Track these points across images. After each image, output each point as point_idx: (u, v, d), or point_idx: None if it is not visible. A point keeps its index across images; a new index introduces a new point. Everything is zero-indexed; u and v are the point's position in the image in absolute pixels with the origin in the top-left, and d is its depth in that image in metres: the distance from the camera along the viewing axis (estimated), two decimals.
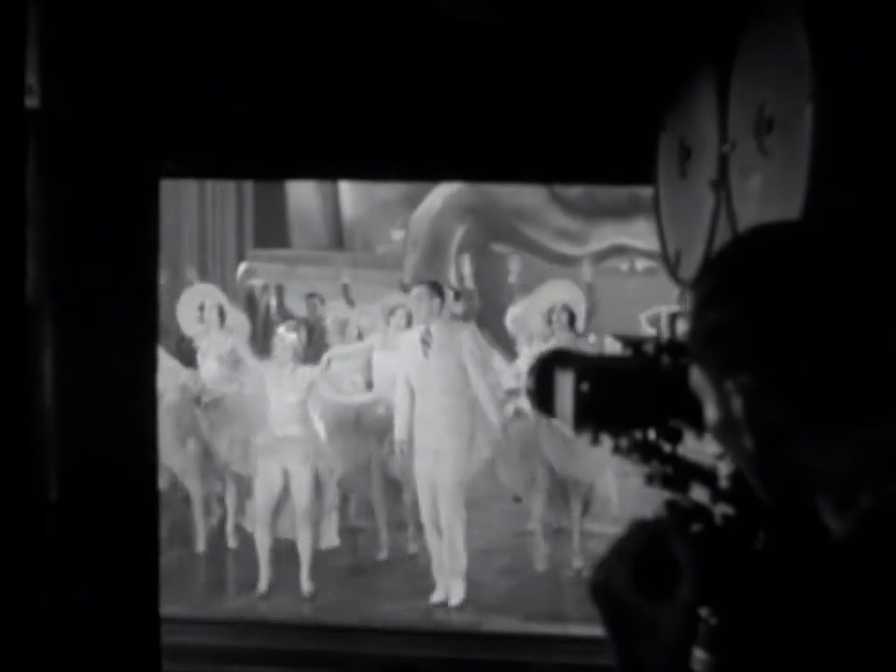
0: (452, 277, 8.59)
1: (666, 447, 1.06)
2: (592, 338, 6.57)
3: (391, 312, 6.19)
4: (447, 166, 3.17)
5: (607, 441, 1.08)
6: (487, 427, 5.51)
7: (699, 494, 1.01)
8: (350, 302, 7.61)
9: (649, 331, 6.45)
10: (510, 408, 5.65)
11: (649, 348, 1.09)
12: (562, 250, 9.34)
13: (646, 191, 2.75)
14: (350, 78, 2.68)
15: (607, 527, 5.35)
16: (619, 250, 9.39)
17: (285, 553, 5.52)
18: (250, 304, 8.82)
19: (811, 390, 0.90)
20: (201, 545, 6.08)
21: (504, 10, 2.51)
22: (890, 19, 1.46)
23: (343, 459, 5.85)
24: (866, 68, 1.46)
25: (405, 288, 7.68)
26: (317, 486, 5.51)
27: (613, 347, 1.18)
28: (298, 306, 8.13)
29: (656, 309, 6.82)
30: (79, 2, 2.50)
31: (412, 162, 2.98)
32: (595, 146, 2.68)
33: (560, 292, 6.16)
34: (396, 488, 5.99)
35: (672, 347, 1.07)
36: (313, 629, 4.97)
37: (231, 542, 6.14)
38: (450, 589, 5.30)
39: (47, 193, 2.37)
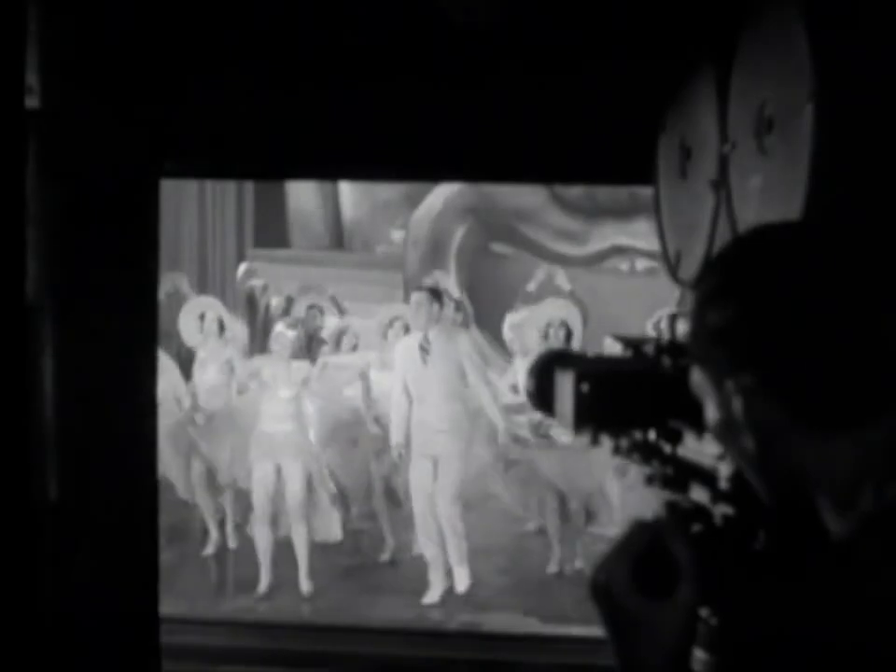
0: (451, 285, 8.60)
1: (666, 448, 1.06)
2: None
3: (389, 324, 6.20)
4: (447, 166, 3.17)
5: (606, 442, 1.08)
6: (489, 431, 5.53)
7: (699, 494, 1.01)
8: (341, 311, 7.64)
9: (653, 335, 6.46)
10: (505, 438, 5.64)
11: (649, 349, 1.09)
12: (562, 250, 9.33)
13: (646, 191, 2.75)
14: (350, 78, 2.68)
15: (606, 530, 5.37)
16: (619, 250, 9.38)
17: (285, 553, 5.52)
18: (250, 304, 8.82)
19: (811, 390, 0.90)
20: (211, 548, 6.12)
21: (504, 10, 2.51)
22: (890, 19, 1.46)
23: (342, 475, 5.88)
24: (866, 68, 1.46)
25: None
26: (310, 482, 5.52)
27: (613, 348, 1.18)
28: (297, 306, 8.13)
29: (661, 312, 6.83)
30: (79, 2, 2.51)
31: (412, 162, 2.98)
32: (595, 146, 2.68)
33: (558, 309, 6.21)
34: (398, 499, 6.01)
35: (672, 348, 1.07)
36: (312, 629, 4.97)
37: (231, 543, 6.15)
38: (455, 578, 5.35)
39: (47, 193, 2.37)
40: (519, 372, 6.02)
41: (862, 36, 1.48)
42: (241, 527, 6.05)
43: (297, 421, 5.58)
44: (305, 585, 5.44)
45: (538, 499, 5.81)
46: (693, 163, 2.14)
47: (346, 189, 11.12)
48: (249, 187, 10.59)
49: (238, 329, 6.70)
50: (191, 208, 9.92)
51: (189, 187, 9.53)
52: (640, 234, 8.52)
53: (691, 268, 2.14)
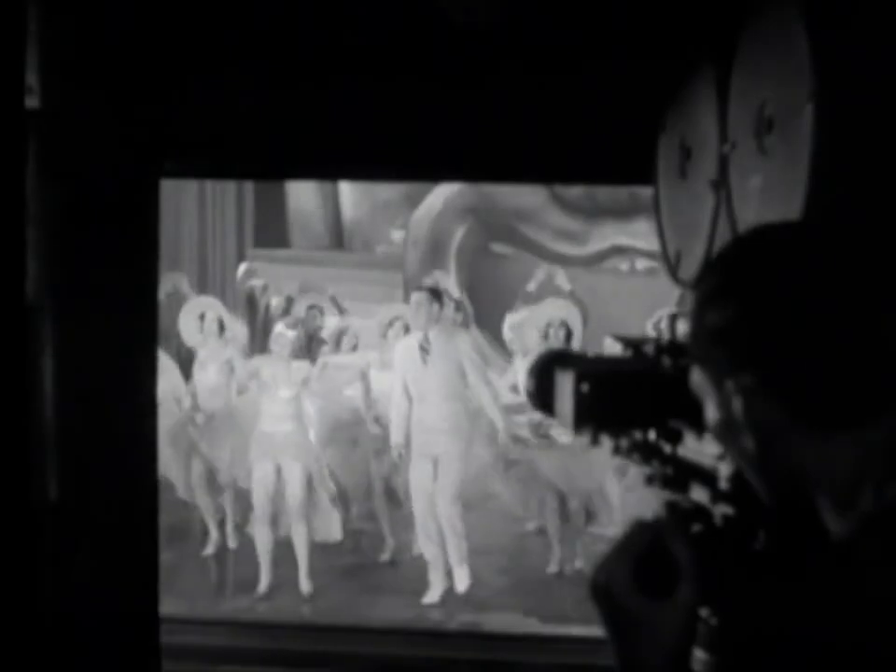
0: (451, 285, 8.61)
1: (666, 448, 1.06)
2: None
3: (389, 324, 6.20)
4: (447, 166, 3.17)
5: (606, 442, 1.08)
6: (489, 431, 5.53)
7: (699, 494, 1.01)
8: (341, 311, 7.65)
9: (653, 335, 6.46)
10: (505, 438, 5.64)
11: (649, 349, 1.09)
12: (562, 250, 9.33)
13: (646, 191, 2.75)
14: (350, 78, 2.68)
15: (606, 530, 5.37)
16: (619, 250, 9.38)
17: (285, 553, 5.52)
18: (250, 305, 8.82)
19: (811, 390, 0.90)
20: (211, 548, 6.12)
21: (504, 10, 2.51)
22: (890, 19, 1.46)
23: (342, 475, 5.88)
24: (866, 68, 1.46)
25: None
26: (310, 482, 5.52)
27: (613, 348, 1.18)
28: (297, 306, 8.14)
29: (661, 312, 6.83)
30: (79, 2, 2.51)
31: (412, 162, 2.98)
32: (595, 146, 2.68)
33: (558, 309, 6.20)
34: (398, 499, 6.01)
35: (672, 348, 1.07)
36: (312, 629, 4.97)
37: (231, 543, 6.16)
38: (455, 578, 5.35)
39: (47, 193, 2.37)
40: (519, 372, 6.02)
41: (862, 36, 1.48)
42: (241, 527, 6.05)
43: (297, 421, 5.59)
44: (305, 585, 5.44)
45: (538, 499, 5.82)
46: (693, 163, 2.14)
47: (346, 189, 11.12)
48: (249, 187, 10.59)
49: (238, 329, 6.71)
50: (191, 208, 9.92)
51: (189, 187, 9.53)
52: (640, 234, 8.52)
53: (691, 268, 2.14)
